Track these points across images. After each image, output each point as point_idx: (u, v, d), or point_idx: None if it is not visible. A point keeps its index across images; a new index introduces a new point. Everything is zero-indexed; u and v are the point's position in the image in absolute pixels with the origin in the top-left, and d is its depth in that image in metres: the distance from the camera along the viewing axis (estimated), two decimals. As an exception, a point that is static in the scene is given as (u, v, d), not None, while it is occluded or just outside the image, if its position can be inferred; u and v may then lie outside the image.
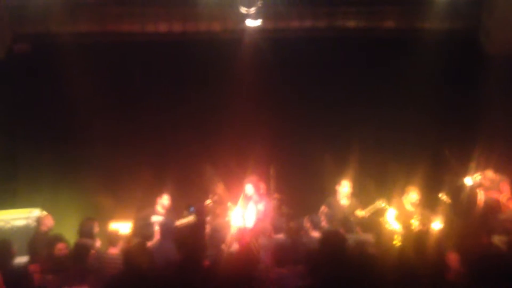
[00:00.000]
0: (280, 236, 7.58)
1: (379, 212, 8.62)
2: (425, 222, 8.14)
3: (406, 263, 5.02)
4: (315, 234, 7.80)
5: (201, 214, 7.90)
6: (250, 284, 4.79)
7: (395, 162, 9.92)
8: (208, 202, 8.78)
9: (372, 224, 8.49)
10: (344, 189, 9.01)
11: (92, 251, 6.72)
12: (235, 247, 7.00)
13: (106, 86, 9.94)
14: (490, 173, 8.54)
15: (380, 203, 8.65)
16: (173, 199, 8.90)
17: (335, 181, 9.21)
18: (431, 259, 4.88)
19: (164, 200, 8.72)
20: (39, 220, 8.30)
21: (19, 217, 8.56)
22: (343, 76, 10.34)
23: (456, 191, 8.47)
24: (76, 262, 6.27)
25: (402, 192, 8.99)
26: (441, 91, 10.19)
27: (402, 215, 8.48)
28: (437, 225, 7.88)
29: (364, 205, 8.95)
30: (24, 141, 9.74)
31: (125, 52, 10.12)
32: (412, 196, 8.81)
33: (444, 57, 9.81)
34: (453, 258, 5.53)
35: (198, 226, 7.23)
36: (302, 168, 10.41)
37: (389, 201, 8.72)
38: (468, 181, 8.49)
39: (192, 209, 8.17)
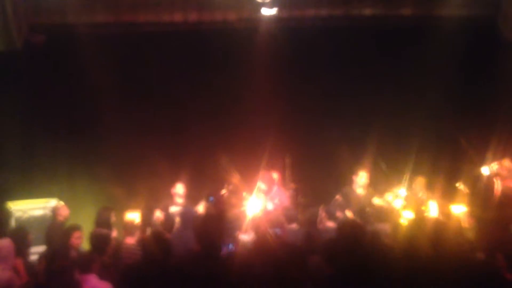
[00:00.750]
0: (294, 226, 7.57)
1: (396, 199, 8.58)
2: (444, 210, 8.06)
3: (421, 253, 4.99)
4: (330, 224, 7.78)
5: (220, 204, 7.88)
6: (267, 273, 4.78)
7: (413, 151, 9.82)
8: (223, 192, 8.79)
9: (388, 214, 8.44)
10: (361, 180, 8.94)
11: (112, 241, 6.72)
12: (250, 236, 6.99)
13: (122, 76, 9.95)
14: (507, 162, 8.43)
15: (398, 190, 8.60)
16: (189, 189, 8.92)
17: (351, 170, 9.15)
18: (449, 249, 4.85)
19: (179, 189, 8.72)
20: (55, 210, 8.34)
21: (36, 207, 8.61)
22: (359, 65, 10.24)
23: (474, 180, 8.39)
24: (97, 252, 6.28)
25: (415, 182, 8.92)
26: (459, 79, 10.08)
27: (412, 203, 8.44)
28: (458, 209, 7.77)
29: (380, 194, 8.89)
30: (40, 131, 9.77)
31: (140, 42, 10.12)
32: (419, 183, 8.75)
33: (462, 44, 9.71)
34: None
35: (218, 215, 7.21)
36: (318, 158, 10.37)
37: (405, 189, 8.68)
38: (485, 170, 8.40)
39: (211, 199, 8.16)
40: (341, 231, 5.87)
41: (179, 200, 8.67)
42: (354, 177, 9.02)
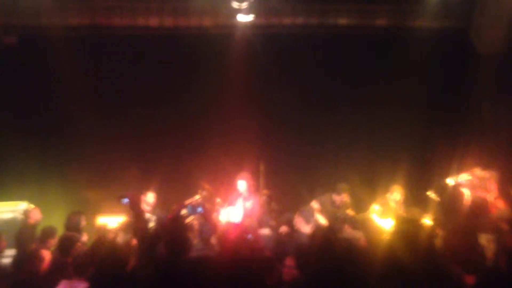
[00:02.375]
0: (266, 231, 7.59)
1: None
2: (415, 217, 8.12)
3: (395, 257, 5.01)
4: (306, 229, 7.82)
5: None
6: (236, 278, 4.77)
7: (384, 160, 9.91)
8: (197, 197, 8.76)
9: (361, 221, 8.49)
10: (336, 187, 8.97)
11: (78, 244, 6.63)
12: (223, 242, 6.97)
13: (95, 80, 9.87)
14: (478, 171, 8.51)
15: (374, 208, 8.65)
16: (162, 195, 8.88)
17: (325, 177, 9.20)
18: (421, 250, 4.87)
19: (149, 198, 8.66)
20: (26, 213, 8.25)
21: (6, 210, 8.51)
22: (333, 73, 10.31)
23: (441, 190, 8.48)
24: (62, 254, 6.22)
25: (386, 190, 8.98)
26: (431, 89, 10.20)
27: (387, 212, 8.49)
28: (427, 221, 7.85)
29: (354, 203, 8.94)
30: (11, 134, 9.63)
31: (115, 46, 10.04)
32: (396, 195, 8.80)
33: (435, 55, 9.84)
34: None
35: (176, 220, 7.10)
36: (291, 165, 10.39)
37: (376, 200, 8.74)
38: (451, 181, 8.48)
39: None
40: (314, 237, 5.90)
41: (147, 208, 8.60)
42: (329, 184, 9.04)
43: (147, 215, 8.37)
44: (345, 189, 8.93)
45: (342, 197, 8.89)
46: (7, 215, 8.45)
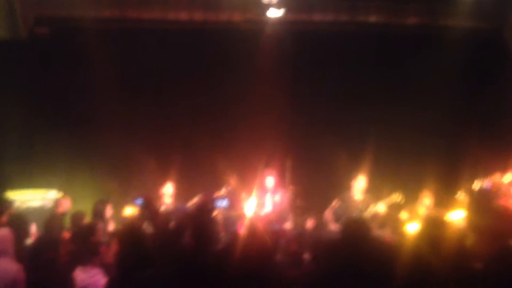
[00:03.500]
0: (289, 225, 7.61)
1: (395, 207, 8.54)
2: (442, 218, 8.03)
3: (421, 258, 4.96)
4: (334, 226, 7.83)
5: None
6: (262, 270, 4.76)
7: (412, 160, 9.81)
8: (222, 192, 8.78)
9: (387, 220, 8.43)
10: (359, 185, 8.91)
11: (99, 232, 6.62)
12: (248, 235, 6.98)
13: (124, 73, 9.93)
14: (497, 178, 8.36)
15: (397, 197, 8.56)
16: (188, 188, 8.94)
17: (350, 175, 9.13)
18: (449, 251, 4.81)
19: (168, 189, 8.70)
20: (56, 202, 8.32)
21: (35, 198, 8.65)
22: (362, 71, 10.24)
23: (472, 192, 8.38)
24: (82, 241, 6.22)
25: (416, 196, 8.88)
26: (462, 90, 10.08)
27: (415, 218, 8.40)
28: (457, 215, 7.73)
29: (378, 200, 8.86)
30: (41, 122, 9.75)
31: (144, 39, 10.09)
32: (426, 200, 8.70)
33: (466, 56, 9.72)
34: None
35: (203, 211, 7.14)
36: (317, 161, 10.34)
37: (404, 198, 8.64)
38: (478, 185, 8.36)
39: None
40: (347, 229, 5.83)
41: (168, 200, 8.64)
42: (352, 182, 8.99)
43: (167, 208, 8.45)
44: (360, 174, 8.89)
45: (358, 182, 8.85)
46: (36, 203, 8.58)
